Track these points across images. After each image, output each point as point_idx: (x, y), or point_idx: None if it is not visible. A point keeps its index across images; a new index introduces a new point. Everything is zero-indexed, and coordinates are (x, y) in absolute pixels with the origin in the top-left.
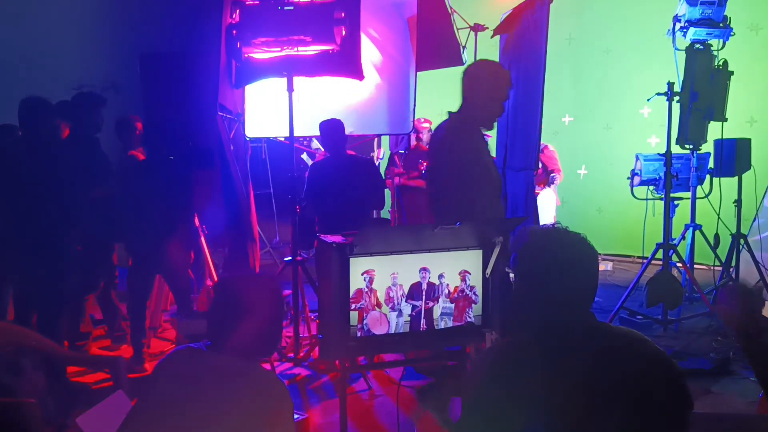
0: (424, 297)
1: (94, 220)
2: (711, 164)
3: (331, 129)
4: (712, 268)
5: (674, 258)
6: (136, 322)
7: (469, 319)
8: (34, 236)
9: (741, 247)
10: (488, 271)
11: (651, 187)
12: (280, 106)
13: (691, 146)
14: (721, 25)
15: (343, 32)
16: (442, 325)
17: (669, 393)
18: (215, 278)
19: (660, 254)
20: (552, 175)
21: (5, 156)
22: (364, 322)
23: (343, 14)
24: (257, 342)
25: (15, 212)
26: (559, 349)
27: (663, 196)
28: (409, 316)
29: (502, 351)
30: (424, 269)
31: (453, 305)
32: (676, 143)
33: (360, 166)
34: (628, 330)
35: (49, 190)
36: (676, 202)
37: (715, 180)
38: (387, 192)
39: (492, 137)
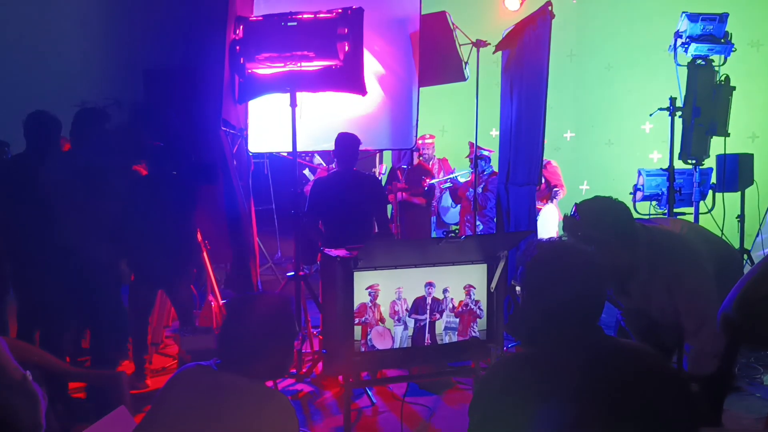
0: (429, 311)
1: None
2: (713, 179)
3: (348, 143)
4: None
5: None
6: (137, 337)
7: (473, 334)
8: (40, 252)
9: (745, 262)
10: (493, 285)
11: (654, 203)
12: (283, 122)
13: (693, 161)
14: (722, 41)
15: (346, 48)
16: (446, 339)
17: (679, 408)
18: (217, 294)
19: None
20: (555, 190)
21: (11, 171)
22: (368, 336)
23: (346, 30)
24: (268, 363)
25: (18, 228)
26: (566, 363)
27: (666, 211)
28: (414, 329)
29: (507, 366)
30: (429, 284)
31: (458, 320)
32: (679, 158)
33: (365, 182)
34: (636, 344)
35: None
36: (678, 218)
37: (718, 195)
38: (389, 207)
39: (495, 152)
